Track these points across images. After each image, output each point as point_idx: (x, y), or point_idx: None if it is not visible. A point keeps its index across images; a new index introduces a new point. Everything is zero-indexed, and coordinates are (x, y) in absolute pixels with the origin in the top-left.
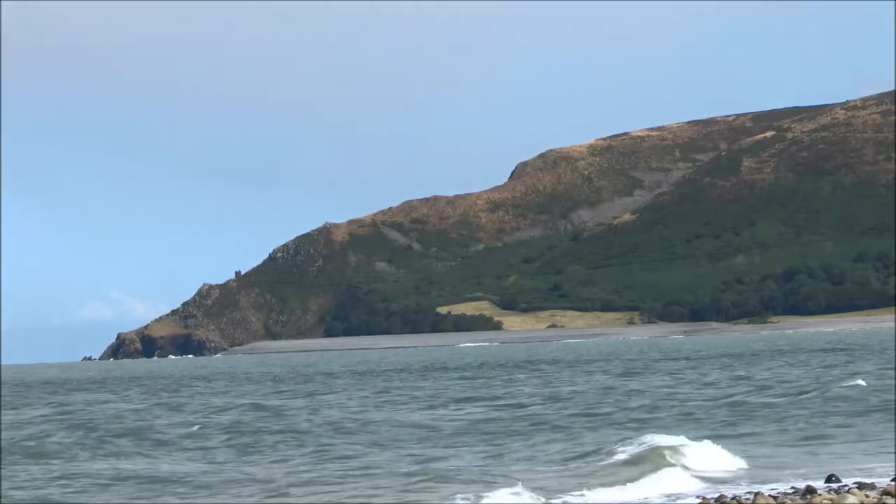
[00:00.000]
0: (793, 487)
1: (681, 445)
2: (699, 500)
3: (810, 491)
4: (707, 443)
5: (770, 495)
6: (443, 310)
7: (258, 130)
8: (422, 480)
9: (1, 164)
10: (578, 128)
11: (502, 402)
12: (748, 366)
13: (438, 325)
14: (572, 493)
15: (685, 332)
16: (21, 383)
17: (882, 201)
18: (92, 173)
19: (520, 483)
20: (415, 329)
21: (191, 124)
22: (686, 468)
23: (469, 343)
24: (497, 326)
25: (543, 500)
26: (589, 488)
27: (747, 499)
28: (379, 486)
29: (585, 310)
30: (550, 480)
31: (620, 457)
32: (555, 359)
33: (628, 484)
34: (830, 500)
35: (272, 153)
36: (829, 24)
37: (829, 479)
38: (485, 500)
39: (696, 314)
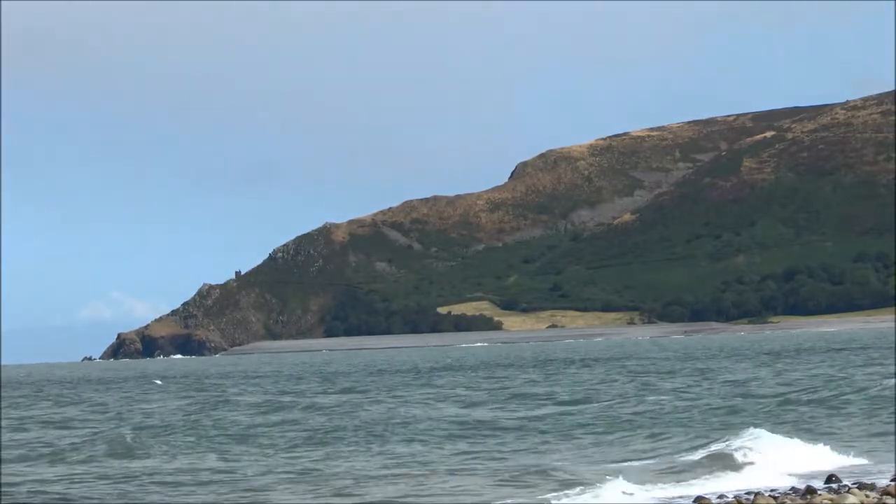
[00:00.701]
0: (793, 488)
1: (776, 440)
2: (694, 499)
3: (810, 491)
4: (796, 440)
5: (770, 495)
6: (443, 310)
7: (258, 131)
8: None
9: (1, 163)
10: (579, 128)
11: (579, 399)
12: (796, 363)
13: (438, 325)
14: (664, 485)
15: (685, 332)
16: (61, 381)
17: (882, 201)
18: (92, 173)
19: (620, 476)
20: (415, 329)
21: (191, 124)
22: (779, 463)
23: (469, 343)
24: (497, 326)
25: (649, 493)
26: (678, 483)
27: (748, 499)
28: (472, 485)
29: (585, 310)
30: (650, 475)
31: (714, 452)
32: (593, 357)
33: (704, 478)
34: (831, 499)
35: (272, 153)
36: (829, 24)
37: (829, 480)
38: (589, 496)
39: (697, 314)
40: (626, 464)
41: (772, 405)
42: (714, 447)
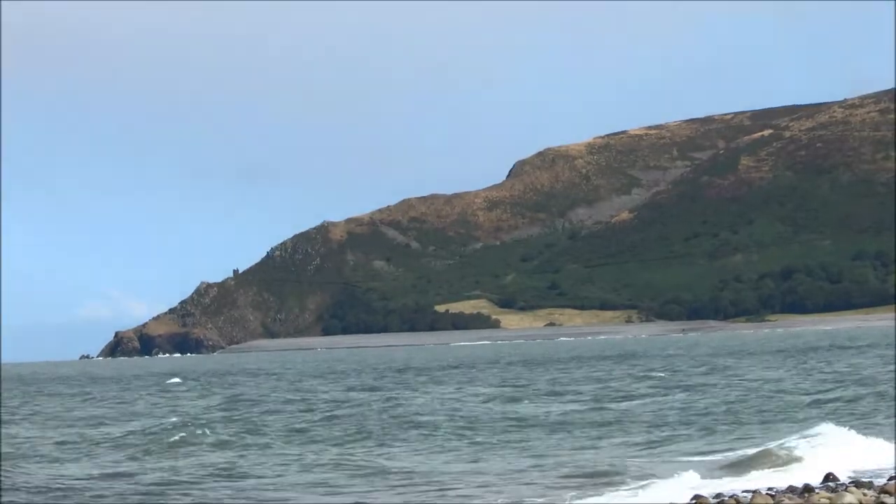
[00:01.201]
0: (790, 486)
1: (846, 436)
2: (694, 499)
3: (808, 489)
4: (868, 437)
5: (768, 493)
6: (441, 308)
7: (256, 129)
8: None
9: (1, 162)
10: (576, 126)
11: (626, 395)
12: (830, 359)
13: (436, 323)
14: (734, 478)
15: (683, 330)
16: (71, 378)
17: (880, 200)
18: (90, 172)
19: (691, 470)
20: (413, 327)
21: (189, 123)
22: (846, 459)
23: (468, 342)
24: (495, 325)
25: (717, 487)
26: (738, 477)
27: (745, 497)
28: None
29: (583, 308)
30: (719, 470)
31: (778, 447)
32: (616, 354)
33: (769, 471)
34: (828, 498)
35: (270, 152)
36: (828, 23)
37: (826, 479)
38: (660, 490)
39: (694, 312)
40: (696, 458)
41: (834, 401)
42: (784, 442)
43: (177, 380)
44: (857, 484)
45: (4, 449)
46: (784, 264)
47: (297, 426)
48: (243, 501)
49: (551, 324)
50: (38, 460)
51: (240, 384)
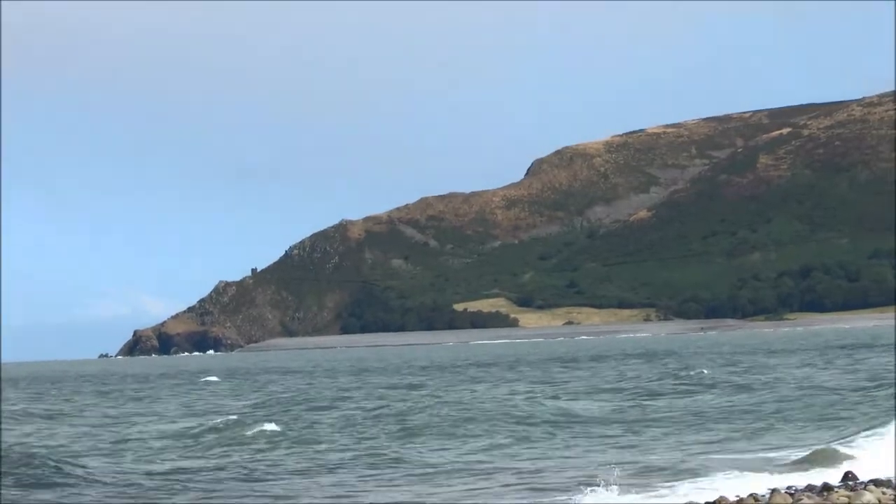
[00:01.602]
0: (809, 485)
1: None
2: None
3: (827, 488)
4: None
5: (786, 492)
6: (459, 307)
7: (275, 128)
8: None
9: (1, 159)
10: (595, 124)
11: (674, 391)
12: (864, 357)
13: (455, 322)
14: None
15: (702, 328)
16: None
17: None
18: (107, 170)
19: (737, 470)
20: (431, 326)
21: (209, 120)
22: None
23: (486, 340)
24: (513, 324)
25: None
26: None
27: (764, 496)
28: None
29: (601, 307)
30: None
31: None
32: (650, 352)
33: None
34: (847, 497)
35: (288, 150)
36: (846, 21)
37: (845, 477)
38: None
39: (713, 311)
40: (761, 454)
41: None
42: (850, 439)
43: (213, 378)
44: (877, 483)
45: (62, 444)
46: (802, 263)
47: (362, 423)
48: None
49: (569, 322)
50: (125, 455)
51: (277, 382)
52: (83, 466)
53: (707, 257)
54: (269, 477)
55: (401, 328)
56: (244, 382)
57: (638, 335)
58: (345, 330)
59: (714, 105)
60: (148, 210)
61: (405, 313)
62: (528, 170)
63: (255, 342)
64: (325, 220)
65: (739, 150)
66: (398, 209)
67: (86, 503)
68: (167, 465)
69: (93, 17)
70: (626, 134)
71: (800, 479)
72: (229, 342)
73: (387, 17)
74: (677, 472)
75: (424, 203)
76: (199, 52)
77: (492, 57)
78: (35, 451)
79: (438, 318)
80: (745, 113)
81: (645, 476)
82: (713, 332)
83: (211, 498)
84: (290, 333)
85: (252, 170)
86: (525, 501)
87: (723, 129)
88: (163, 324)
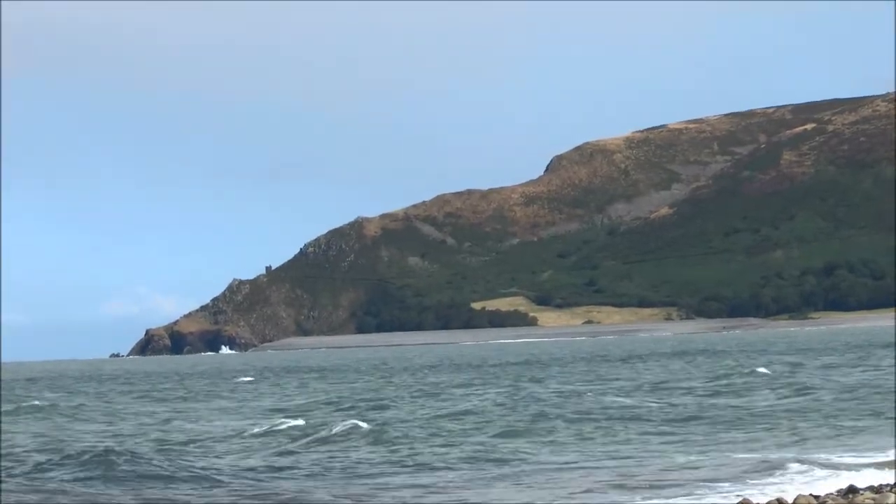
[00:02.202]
0: (839, 490)
1: None
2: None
3: (852, 490)
4: None
5: (812, 494)
6: (477, 305)
7: (290, 123)
8: None
9: (1, 155)
10: (615, 120)
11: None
12: None
13: (472, 321)
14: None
15: (724, 327)
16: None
17: None
18: (118, 167)
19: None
20: (448, 325)
21: (222, 117)
22: None
23: (506, 339)
24: (532, 322)
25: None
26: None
27: (785, 500)
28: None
29: (622, 305)
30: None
31: None
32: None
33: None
34: (873, 499)
35: (303, 147)
36: (870, 15)
37: None
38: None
39: (735, 310)
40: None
41: None
42: None
43: (247, 378)
44: None
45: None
46: (826, 260)
47: (491, 421)
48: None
49: (589, 321)
50: (217, 452)
51: (318, 380)
52: (191, 463)
53: (729, 255)
54: (389, 472)
55: (417, 327)
56: (285, 381)
57: (662, 334)
58: (360, 329)
59: (737, 100)
60: (159, 207)
61: (422, 312)
62: (548, 166)
63: (270, 341)
64: (340, 218)
65: (762, 146)
66: (415, 206)
67: (224, 501)
68: (283, 460)
69: (101, 14)
70: (647, 130)
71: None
72: (243, 341)
73: (403, 14)
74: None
75: (441, 200)
76: (215, 48)
77: (511, 52)
78: (133, 448)
79: (456, 317)
80: (768, 108)
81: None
82: (736, 331)
83: (360, 489)
84: (304, 332)
85: (266, 167)
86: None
87: (745, 124)
88: (175, 323)
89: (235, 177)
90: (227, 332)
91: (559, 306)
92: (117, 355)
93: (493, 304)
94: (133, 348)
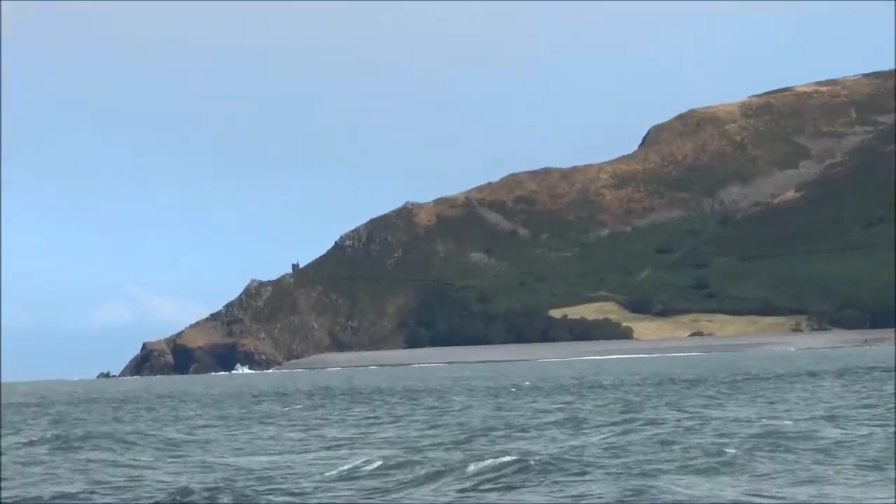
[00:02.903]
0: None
1: None
2: None
3: None
4: None
5: None
6: (556, 313)
7: (320, 90)
8: None
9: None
10: (727, 82)
11: None
12: None
13: (551, 331)
14: None
15: (866, 340)
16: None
17: None
18: (116, 152)
19: None
20: (520, 337)
21: (241, 78)
22: None
23: (598, 356)
24: (625, 334)
25: None
26: None
27: None
28: None
29: (737, 313)
30: None
31: None
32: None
33: None
34: None
35: (339, 120)
36: None
37: None
38: None
39: (879, 319)
40: None
41: None
42: None
43: (299, 405)
44: None
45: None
46: None
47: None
48: None
49: (697, 333)
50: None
51: (393, 406)
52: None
53: (871, 250)
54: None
55: (483, 340)
56: (358, 406)
57: (784, 348)
58: (410, 342)
59: (878, 58)
60: (158, 193)
61: (487, 321)
62: (644, 139)
63: (297, 357)
64: (385, 204)
65: None
66: (478, 189)
67: None
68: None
69: (102, 14)
70: (768, 94)
71: None
72: (264, 358)
73: None
74: None
75: (512, 181)
76: (233, 39)
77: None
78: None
79: (529, 328)
80: None
81: None
82: (881, 345)
83: None
84: (340, 347)
85: (291, 143)
86: None
87: (889, 87)
88: (179, 334)
89: (252, 155)
90: (245, 346)
91: (660, 314)
92: (107, 375)
93: (576, 312)
94: (127, 366)
